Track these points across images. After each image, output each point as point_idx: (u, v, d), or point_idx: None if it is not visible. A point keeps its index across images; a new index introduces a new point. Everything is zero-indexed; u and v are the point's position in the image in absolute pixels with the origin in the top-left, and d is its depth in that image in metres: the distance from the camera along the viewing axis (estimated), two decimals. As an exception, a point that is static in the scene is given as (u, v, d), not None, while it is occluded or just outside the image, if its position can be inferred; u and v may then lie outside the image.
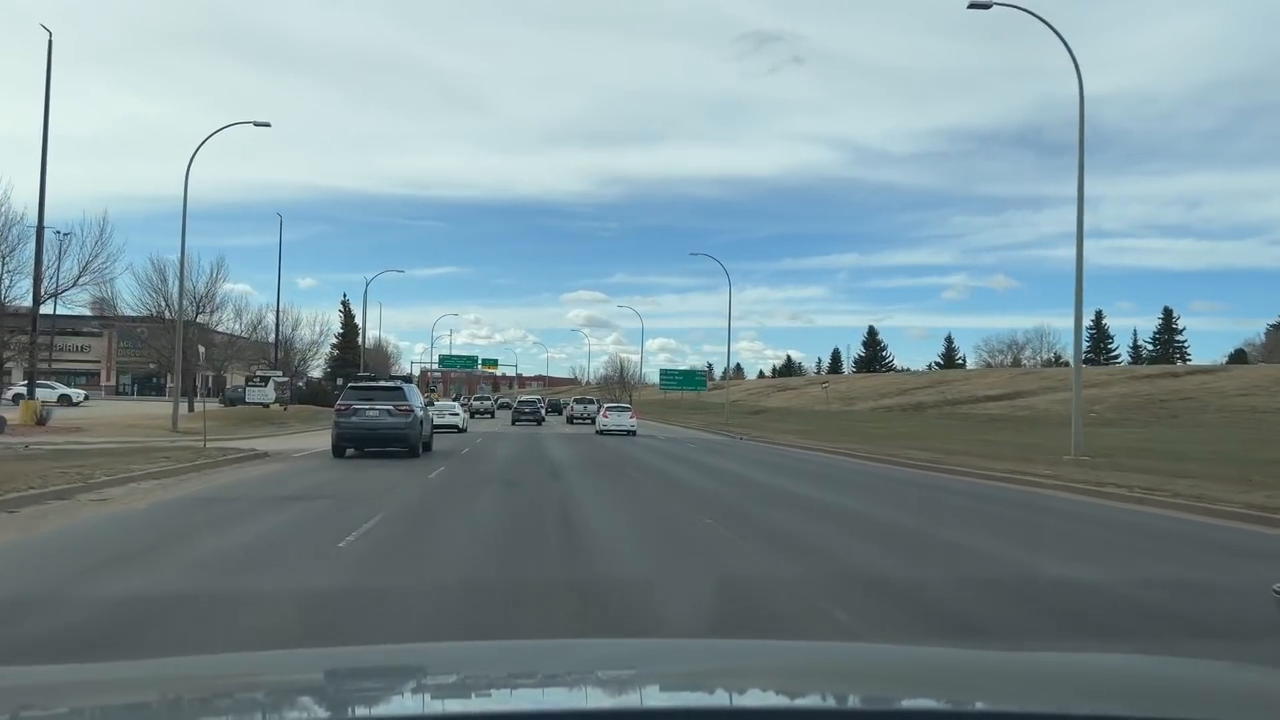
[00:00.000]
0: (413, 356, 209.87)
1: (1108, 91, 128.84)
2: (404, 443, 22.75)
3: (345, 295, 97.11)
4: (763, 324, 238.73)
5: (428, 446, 25.12)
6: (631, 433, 44.77)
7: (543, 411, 63.52)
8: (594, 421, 52.28)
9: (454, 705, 2.02)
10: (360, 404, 23.01)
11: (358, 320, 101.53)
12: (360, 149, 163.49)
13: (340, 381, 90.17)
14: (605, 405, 54.20)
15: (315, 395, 73.08)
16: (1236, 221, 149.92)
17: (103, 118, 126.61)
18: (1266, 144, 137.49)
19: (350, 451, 23.08)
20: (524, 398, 73.17)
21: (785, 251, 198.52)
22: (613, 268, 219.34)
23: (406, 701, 2.04)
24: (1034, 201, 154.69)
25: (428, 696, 2.06)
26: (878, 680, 2.17)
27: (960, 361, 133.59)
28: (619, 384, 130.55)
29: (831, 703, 1.97)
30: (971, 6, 24.94)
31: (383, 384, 25.89)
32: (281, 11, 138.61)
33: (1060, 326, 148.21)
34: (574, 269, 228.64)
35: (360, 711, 1.93)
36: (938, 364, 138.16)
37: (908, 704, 2.01)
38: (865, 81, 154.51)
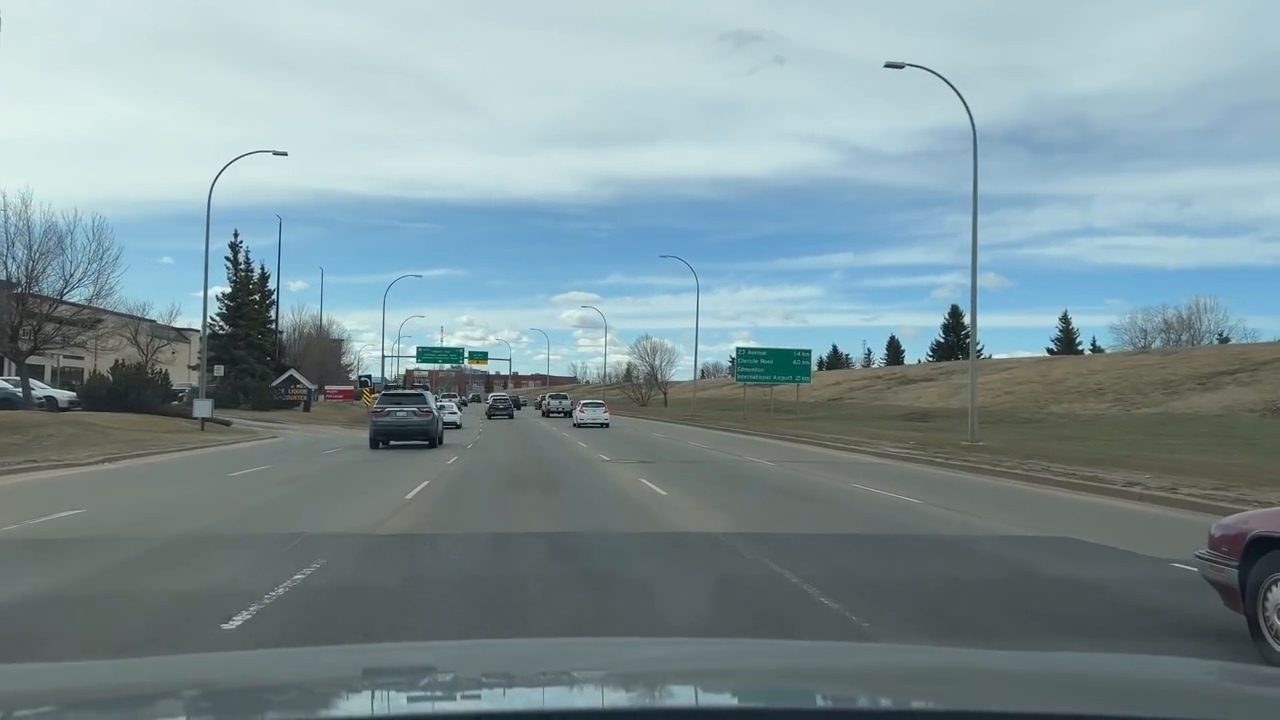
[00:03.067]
0: (375, 349, 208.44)
1: (1099, 90, 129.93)
2: (425, 436, 28.17)
3: (237, 234, 62.63)
4: (755, 324, 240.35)
5: (440, 440, 29.82)
6: (605, 425, 46.60)
7: (513, 407, 69.93)
8: (568, 415, 60.48)
9: (456, 705, 1.95)
10: (391, 407, 28.53)
11: (272, 284, 67.41)
12: (352, 151, 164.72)
13: (219, 370, 57.75)
14: (582, 402, 55.81)
15: (128, 390, 38.60)
16: (1229, 219, 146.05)
17: (92, 121, 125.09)
18: (1258, 141, 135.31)
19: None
20: (496, 395, 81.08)
21: (779, 252, 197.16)
22: (606, 269, 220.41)
23: (406, 701, 2.03)
24: (1026, 200, 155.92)
25: (429, 695, 2.04)
26: (877, 680, 2.16)
27: (1081, 346, 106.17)
28: (649, 380, 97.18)
29: (831, 703, 1.96)
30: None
31: (408, 391, 36.51)
32: (272, 14, 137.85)
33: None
34: (567, 269, 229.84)
35: (362, 710, 1.94)
36: (1051, 350, 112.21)
37: (907, 704, 1.97)
38: (855, 81, 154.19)
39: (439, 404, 34.86)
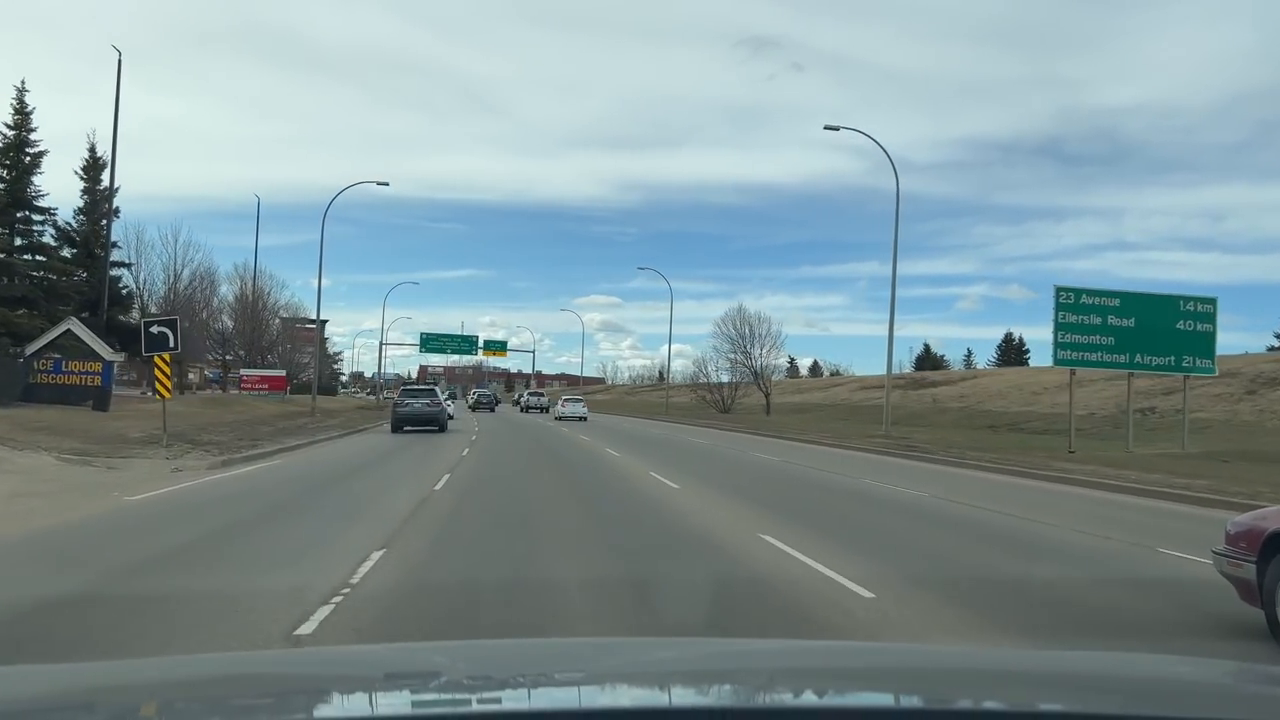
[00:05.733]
0: (397, 349, 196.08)
1: (1130, 103, 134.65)
2: (435, 422, 33.03)
3: (22, 87, 31.52)
4: (778, 331, 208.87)
5: (446, 426, 34.31)
6: (583, 419, 48.58)
7: (494, 402, 73.72)
8: (544, 411, 63.62)
9: (456, 705, 1.93)
10: (409, 400, 34.17)
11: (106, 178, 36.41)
12: (380, 151, 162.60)
13: None
14: (563, 398, 57.57)
15: None
16: (1261, 235, 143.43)
17: (127, 117, 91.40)
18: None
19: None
20: (479, 391, 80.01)
21: (804, 259, 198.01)
22: (631, 273, 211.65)
23: (405, 700, 2.00)
24: (1055, 212, 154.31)
25: (428, 696, 2.01)
26: (879, 679, 2.15)
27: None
28: (743, 377, 65.68)
29: (832, 703, 1.96)
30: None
31: (421, 387, 40.01)
32: (304, 13, 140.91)
33: None
34: (591, 272, 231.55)
35: (361, 710, 1.92)
36: (1276, 345, 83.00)
37: (909, 703, 1.96)
38: (880, 89, 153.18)
39: (445, 398, 38.87)
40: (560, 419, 48.98)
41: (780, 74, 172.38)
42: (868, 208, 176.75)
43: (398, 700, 1.97)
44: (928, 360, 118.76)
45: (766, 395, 59.96)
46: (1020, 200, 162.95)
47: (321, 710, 1.85)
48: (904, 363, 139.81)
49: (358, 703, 1.96)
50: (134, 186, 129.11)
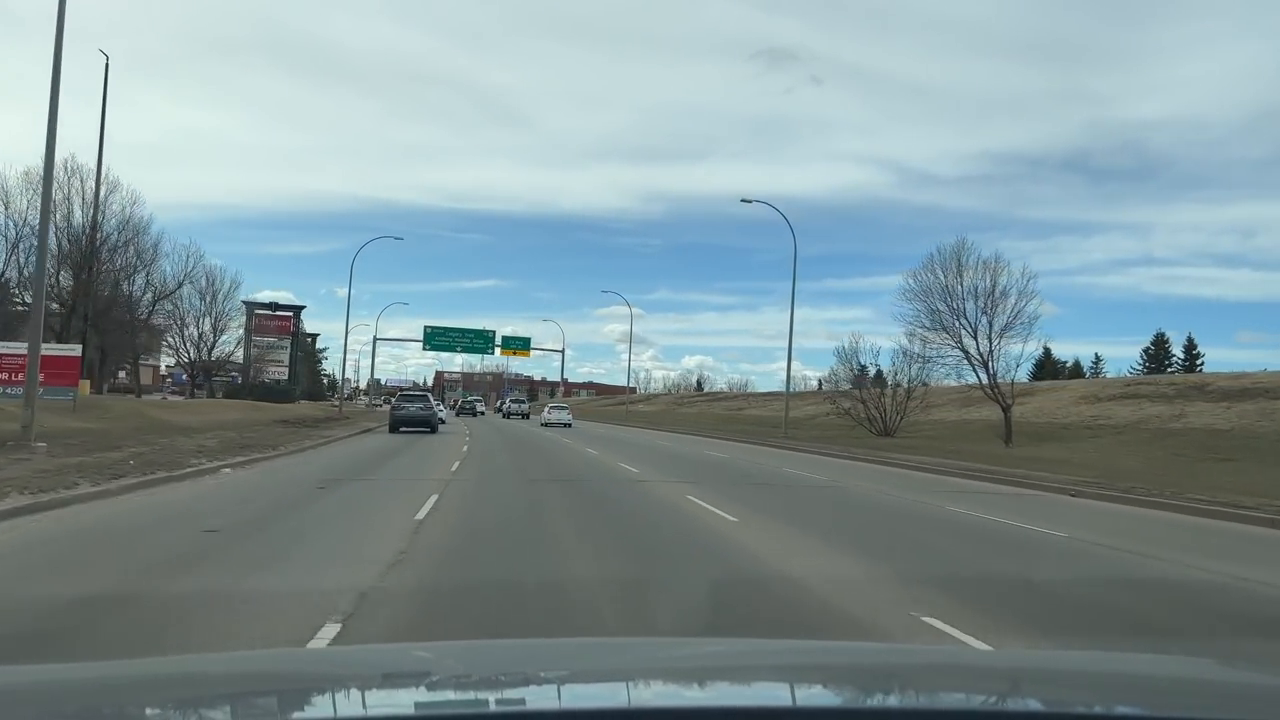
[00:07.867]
0: (410, 358, 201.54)
1: (1159, 117, 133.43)
2: (428, 424, 37.94)
3: None
4: (800, 344, 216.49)
5: (437, 429, 39.25)
6: (567, 425, 51.15)
7: (479, 408, 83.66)
8: (525, 418, 69.43)
9: (457, 707, 1.90)
10: (405, 404, 39.65)
11: None
12: (405, 161, 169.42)
13: None
14: (549, 405, 62.67)
15: None
16: None
17: (152, 126, 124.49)
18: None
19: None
20: (466, 398, 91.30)
21: (827, 272, 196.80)
22: (653, 284, 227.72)
23: (406, 700, 1.96)
24: (1083, 227, 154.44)
25: (430, 696, 2.01)
26: (879, 680, 2.12)
27: None
28: (941, 375, 40.29)
29: (833, 702, 1.94)
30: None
31: (416, 393, 47.43)
32: (328, 24, 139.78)
33: None
34: (614, 284, 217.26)
35: (361, 711, 1.88)
36: None
37: (908, 704, 1.93)
38: (906, 103, 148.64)
39: (436, 404, 45.16)
40: (546, 425, 51.59)
41: (798, 87, 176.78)
42: (892, 221, 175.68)
43: (398, 700, 1.92)
44: (1051, 368, 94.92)
45: (1006, 409, 34.10)
46: (1047, 215, 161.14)
47: (318, 710, 1.81)
48: (1011, 371, 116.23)
49: (356, 703, 1.90)
50: (155, 195, 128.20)
